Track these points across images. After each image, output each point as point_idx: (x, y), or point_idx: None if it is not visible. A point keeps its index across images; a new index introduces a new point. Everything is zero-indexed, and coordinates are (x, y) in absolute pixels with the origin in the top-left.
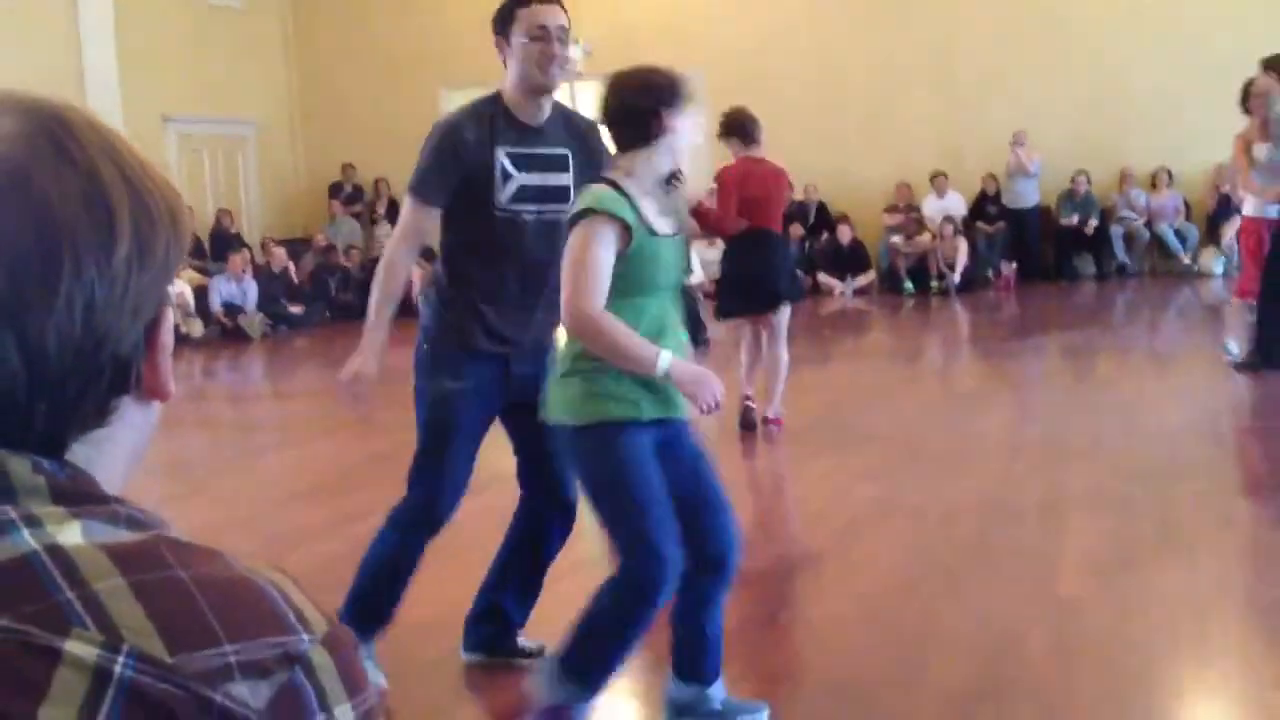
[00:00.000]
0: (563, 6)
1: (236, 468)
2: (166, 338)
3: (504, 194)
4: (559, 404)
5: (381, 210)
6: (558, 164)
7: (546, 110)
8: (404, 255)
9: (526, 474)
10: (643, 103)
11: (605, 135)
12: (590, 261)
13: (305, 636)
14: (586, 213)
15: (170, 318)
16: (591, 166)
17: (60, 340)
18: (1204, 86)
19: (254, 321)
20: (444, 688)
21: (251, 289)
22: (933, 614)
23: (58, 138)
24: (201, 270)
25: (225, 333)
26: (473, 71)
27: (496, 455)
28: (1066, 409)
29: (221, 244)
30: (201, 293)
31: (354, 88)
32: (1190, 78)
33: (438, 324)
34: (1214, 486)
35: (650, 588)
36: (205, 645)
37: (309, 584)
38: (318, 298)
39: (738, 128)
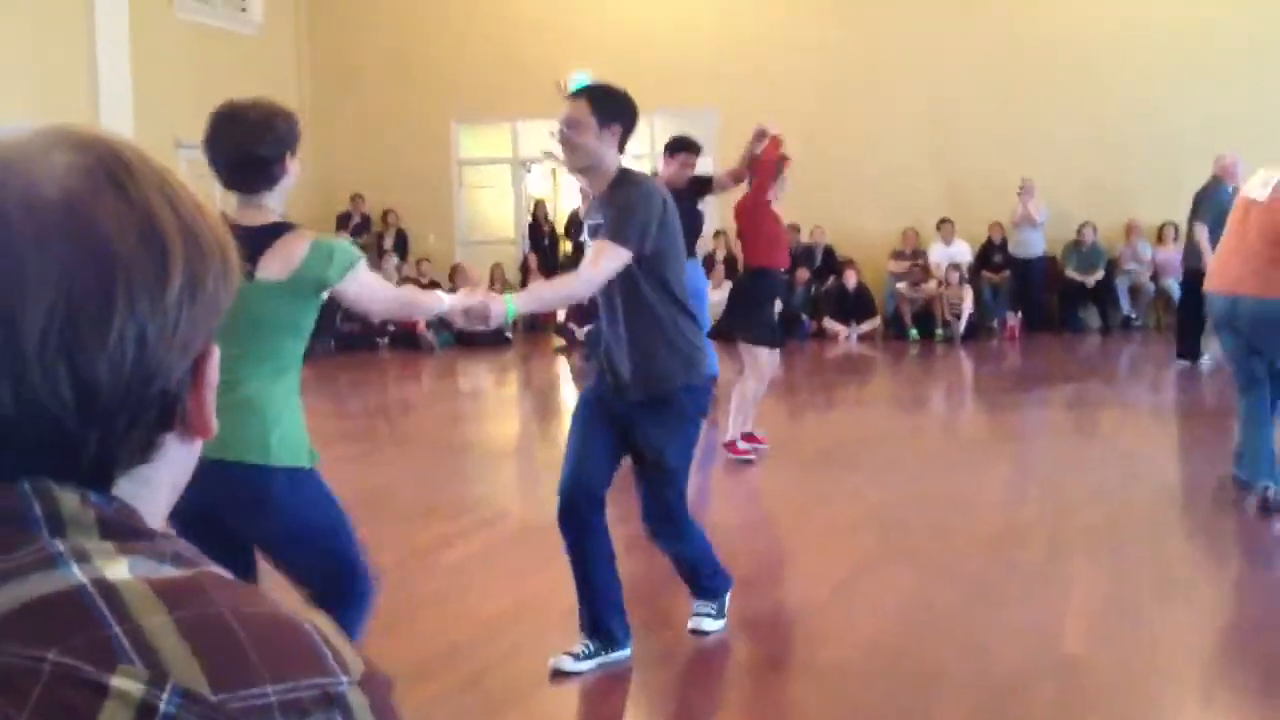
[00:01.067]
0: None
1: None
2: (213, 374)
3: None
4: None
5: (389, 242)
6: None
7: (600, 184)
8: None
9: None
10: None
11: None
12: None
13: (344, 678)
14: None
15: (216, 354)
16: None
17: (113, 374)
18: (1214, 141)
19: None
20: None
21: None
22: (935, 662)
23: (115, 173)
24: None
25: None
26: (484, 106)
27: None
28: (1068, 461)
29: None
30: None
31: (364, 117)
32: (1200, 132)
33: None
34: (1213, 539)
35: None
36: (248, 684)
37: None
38: (323, 328)
39: None
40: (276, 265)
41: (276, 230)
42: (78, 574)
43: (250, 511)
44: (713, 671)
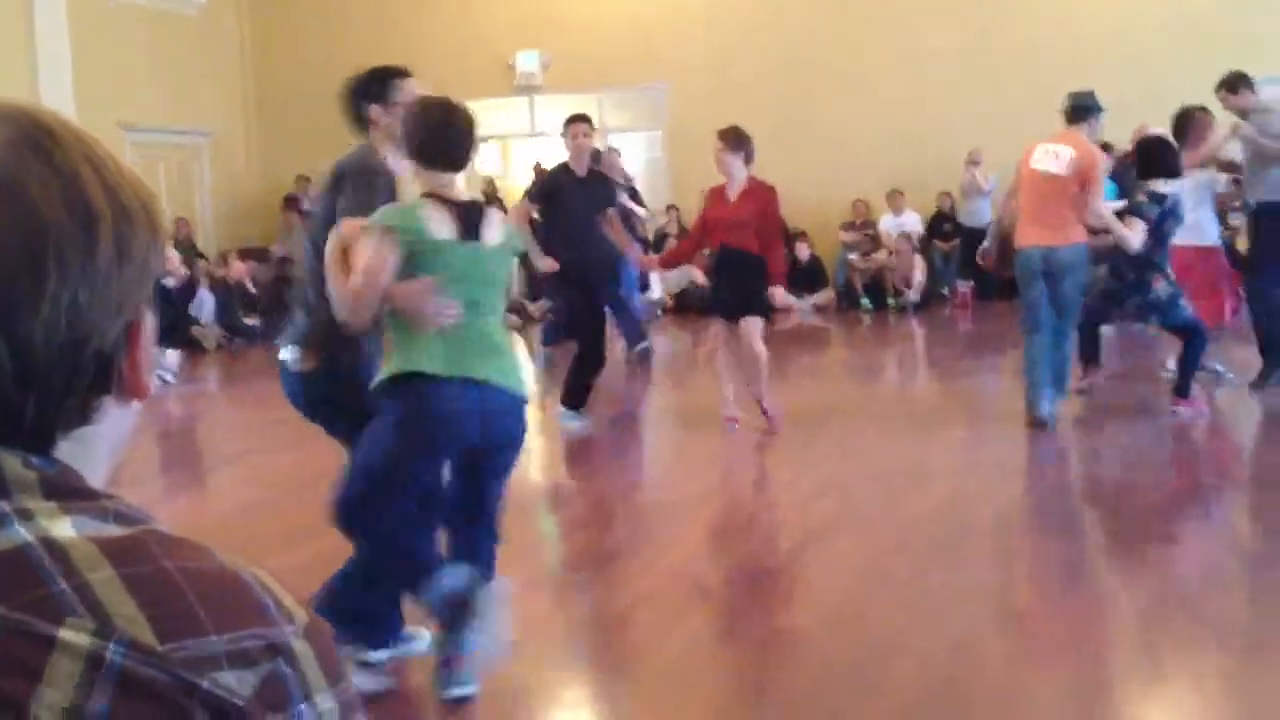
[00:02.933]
0: None
1: (189, 480)
2: (146, 337)
3: None
4: None
5: None
6: None
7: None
8: None
9: None
10: None
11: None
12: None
13: (288, 628)
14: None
15: (151, 318)
16: None
17: (47, 338)
18: (1156, 106)
19: (209, 333)
20: None
21: (208, 300)
22: (891, 626)
23: (40, 143)
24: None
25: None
26: (432, 88)
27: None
28: (1020, 427)
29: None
30: None
31: (309, 99)
32: (1142, 98)
33: None
34: (1163, 501)
35: None
36: (193, 635)
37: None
38: (275, 310)
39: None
40: (493, 233)
41: (481, 204)
42: (23, 533)
43: (515, 440)
44: (667, 639)
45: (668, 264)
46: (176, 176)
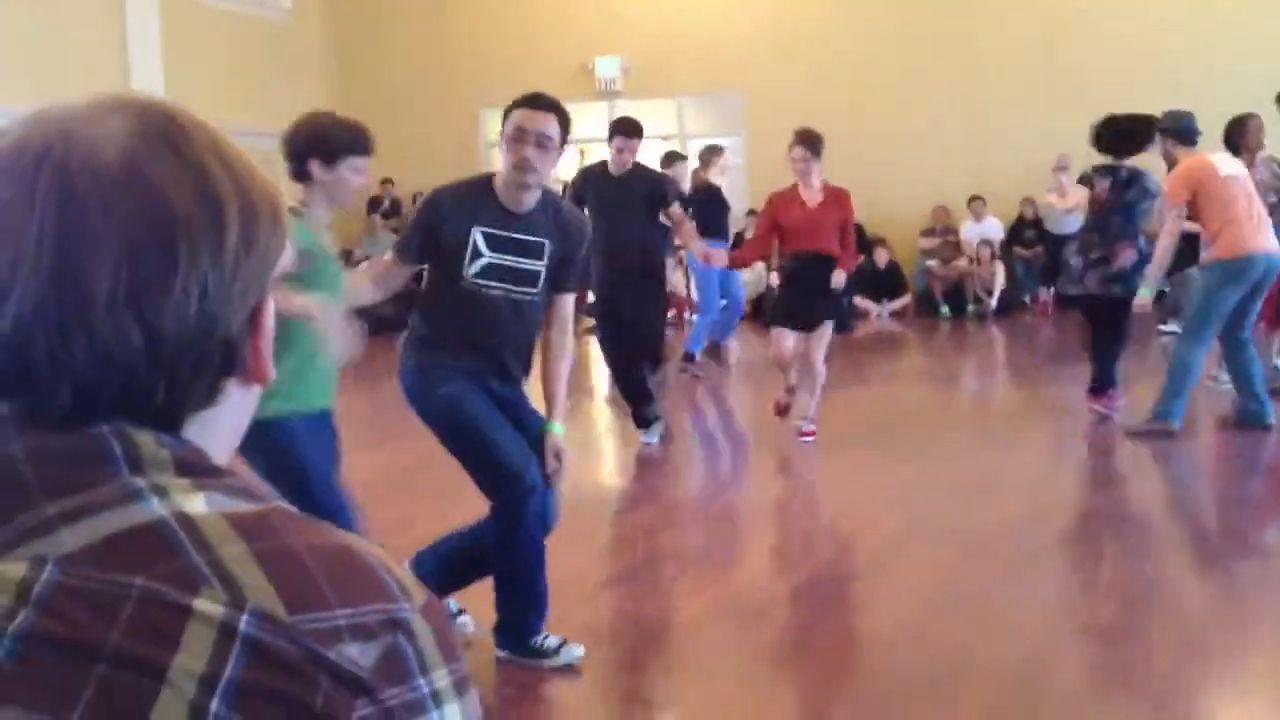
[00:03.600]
0: (557, 114)
1: None
2: (268, 323)
3: (472, 268)
4: None
5: None
6: (533, 250)
7: (531, 199)
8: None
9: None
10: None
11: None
12: None
13: (406, 605)
14: None
15: (271, 305)
16: (565, 258)
17: (178, 323)
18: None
19: None
20: None
21: None
22: (963, 640)
23: (169, 135)
24: None
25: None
26: (511, 92)
27: None
28: (1100, 437)
29: None
30: None
31: (393, 103)
32: (1235, 103)
33: (415, 357)
34: (1253, 515)
35: None
36: (319, 608)
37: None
38: (358, 311)
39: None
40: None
41: None
42: (158, 508)
43: None
44: (738, 648)
45: (737, 265)
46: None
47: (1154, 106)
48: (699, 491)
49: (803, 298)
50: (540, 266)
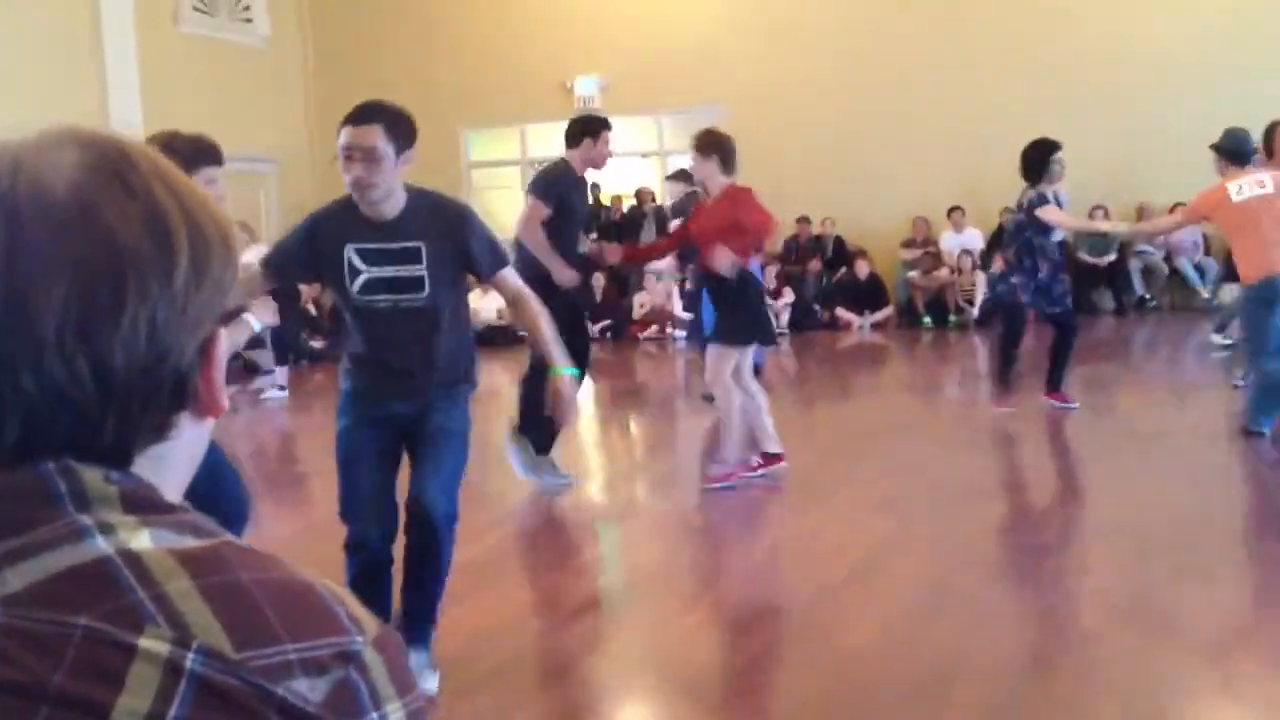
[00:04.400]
0: (382, 122)
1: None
2: (219, 354)
3: (355, 285)
4: None
5: None
6: (409, 256)
7: (392, 208)
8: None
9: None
10: None
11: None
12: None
13: (358, 637)
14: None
15: (222, 336)
16: (456, 250)
17: (127, 357)
18: (1222, 122)
19: (272, 355)
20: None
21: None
22: (954, 645)
23: (119, 167)
24: None
25: (246, 366)
26: (491, 112)
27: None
28: (1085, 443)
29: None
30: None
31: None
32: (1208, 114)
33: (342, 384)
34: (1234, 521)
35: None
36: (268, 643)
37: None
38: (337, 332)
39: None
40: None
41: None
42: (103, 545)
43: None
44: (728, 660)
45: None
46: (244, 203)
47: (1137, 113)
48: (681, 505)
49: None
50: (420, 270)
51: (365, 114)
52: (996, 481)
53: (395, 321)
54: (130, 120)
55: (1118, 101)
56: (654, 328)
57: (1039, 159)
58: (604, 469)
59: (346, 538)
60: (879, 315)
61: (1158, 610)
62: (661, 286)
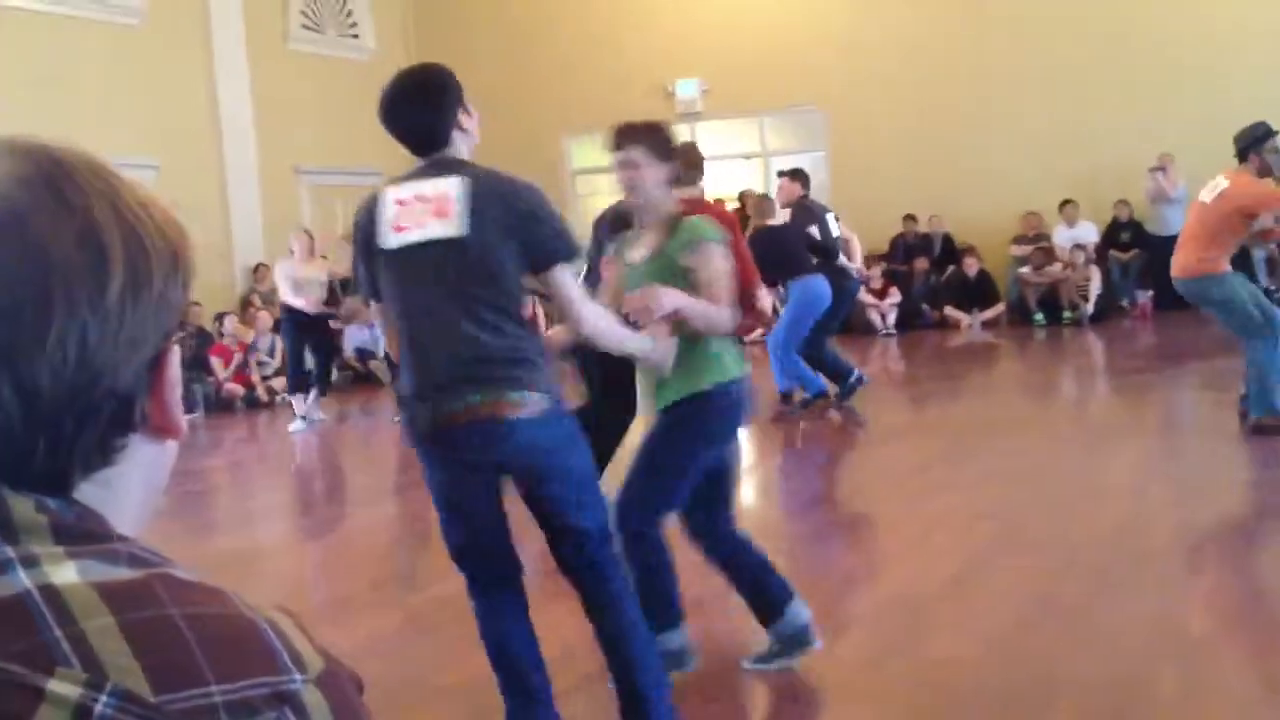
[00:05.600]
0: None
1: (361, 510)
2: (172, 373)
3: None
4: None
5: None
6: None
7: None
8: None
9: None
10: None
11: None
12: None
13: (298, 676)
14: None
15: (176, 354)
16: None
17: (54, 377)
18: None
19: (383, 366)
20: None
21: (382, 336)
22: (1056, 655)
23: (54, 180)
24: (331, 317)
25: (357, 377)
26: (592, 119)
27: None
28: (1204, 442)
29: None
30: (336, 338)
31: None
32: None
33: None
34: None
35: None
36: (191, 685)
37: (426, 624)
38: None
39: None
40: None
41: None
42: (24, 579)
43: None
44: (819, 665)
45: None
46: (351, 215)
47: (1251, 100)
48: (783, 508)
49: None
50: None
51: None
52: (1105, 484)
53: None
54: (243, 138)
55: (1239, 85)
56: (759, 331)
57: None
58: None
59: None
60: (989, 313)
61: (1271, 614)
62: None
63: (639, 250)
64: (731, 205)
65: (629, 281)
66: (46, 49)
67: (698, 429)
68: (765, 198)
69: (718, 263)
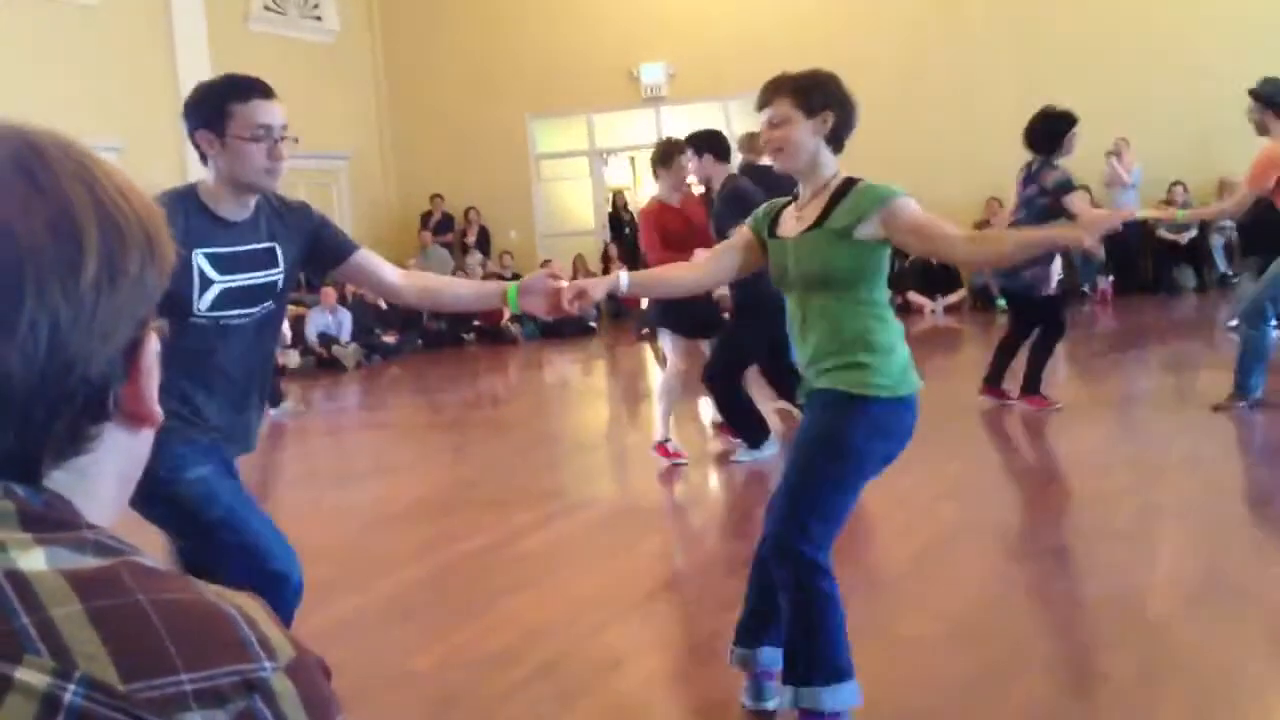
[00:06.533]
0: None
1: (328, 496)
2: (148, 361)
3: (203, 302)
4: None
5: (471, 238)
6: (263, 260)
7: (251, 205)
8: None
9: None
10: None
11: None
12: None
13: (267, 664)
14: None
15: (153, 341)
16: (317, 246)
17: (25, 364)
18: None
19: (348, 351)
20: (512, 717)
21: (346, 319)
22: (1017, 635)
23: (26, 163)
24: (298, 302)
25: (321, 363)
26: (557, 102)
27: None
28: (1163, 426)
29: None
30: (298, 323)
31: (442, 118)
32: None
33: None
34: None
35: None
36: (160, 673)
37: (395, 609)
38: (410, 326)
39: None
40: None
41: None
42: None
43: None
44: None
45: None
46: (316, 199)
47: (1214, 83)
48: (744, 492)
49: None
50: (277, 275)
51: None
52: (1066, 466)
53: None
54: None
55: (1196, 72)
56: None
57: (1056, 132)
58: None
59: (285, 586)
60: (952, 298)
61: (1229, 594)
62: None
63: (790, 223)
64: (697, 189)
65: (780, 257)
66: (4, 30)
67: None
68: (754, 135)
69: (919, 212)
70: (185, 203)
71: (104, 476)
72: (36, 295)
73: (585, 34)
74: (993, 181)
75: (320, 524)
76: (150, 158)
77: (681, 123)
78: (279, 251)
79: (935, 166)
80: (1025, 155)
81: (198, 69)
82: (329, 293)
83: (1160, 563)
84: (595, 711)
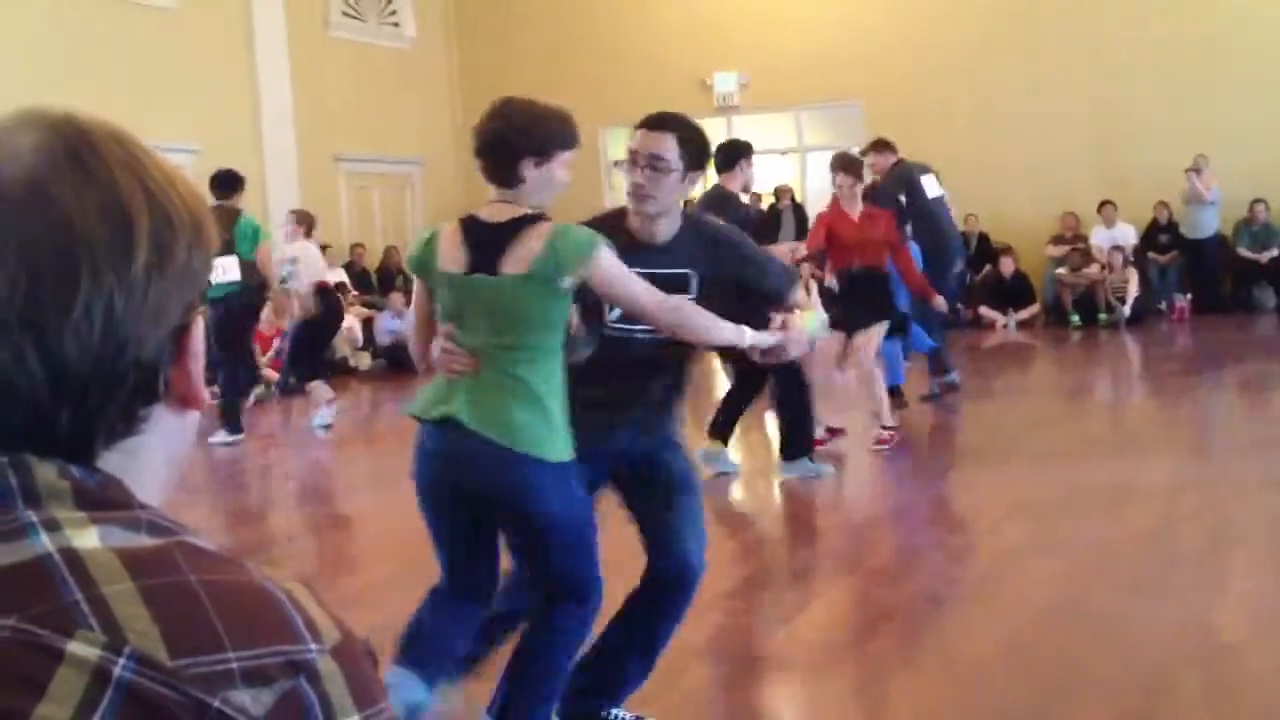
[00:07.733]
0: (676, 132)
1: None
2: (195, 344)
3: (613, 314)
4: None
5: None
6: (677, 284)
7: (665, 228)
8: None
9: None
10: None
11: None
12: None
13: (314, 646)
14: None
15: (199, 325)
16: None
17: (80, 347)
18: None
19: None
20: None
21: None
22: (1080, 658)
23: (78, 152)
24: (370, 304)
25: (391, 365)
26: (630, 111)
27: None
28: (1239, 446)
29: (388, 279)
30: (369, 326)
31: None
32: None
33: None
34: None
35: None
36: (208, 651)
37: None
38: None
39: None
40: (512, 261)
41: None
42: (46, 543)
43: (502, 497)
44: (844, 667)
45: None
46: (390, 204)
47: None
48: (810, 503)
49: (856, 306)
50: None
51: (658, 121)
52: (1139, 486)
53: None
54: (282, 126)
55: (1274, 89)
56: None
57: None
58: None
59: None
60: (1025, 313)
61: None
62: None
63: None
64: (767, 201)
65: None
66: (84, 30)
67: None
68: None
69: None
70: (615, 220)
71: (153, 458)
72: (92, 280)
73: (658, 42)
74: (1064, 196)
75: (388, 522)
76: (227, 160)
77: (754, 132)
78: (690, 279)
79: (1007, 181)
80: (1100, 174)
81: (277, 74)
82: (395, 298)
83: (1231, 587)
84: (702, 694)
